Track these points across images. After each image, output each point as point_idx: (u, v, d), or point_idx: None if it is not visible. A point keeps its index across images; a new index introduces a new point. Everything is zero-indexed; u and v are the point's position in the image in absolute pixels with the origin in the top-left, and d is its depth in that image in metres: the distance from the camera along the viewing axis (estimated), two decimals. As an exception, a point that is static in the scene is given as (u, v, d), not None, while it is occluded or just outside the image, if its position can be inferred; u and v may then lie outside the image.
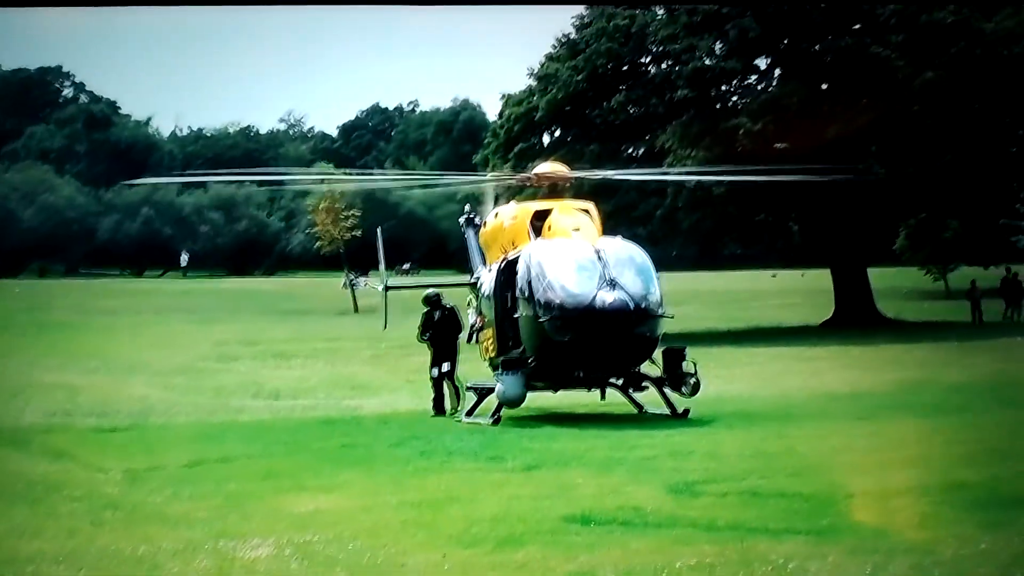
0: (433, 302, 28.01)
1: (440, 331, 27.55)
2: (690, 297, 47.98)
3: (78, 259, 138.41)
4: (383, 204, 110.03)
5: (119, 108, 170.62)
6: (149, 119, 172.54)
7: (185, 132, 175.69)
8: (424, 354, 28.07)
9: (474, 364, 28.22)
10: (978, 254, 74.43)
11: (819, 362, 39.60)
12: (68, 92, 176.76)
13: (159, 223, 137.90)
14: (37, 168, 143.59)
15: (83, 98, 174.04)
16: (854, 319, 56.20)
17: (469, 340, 28.37)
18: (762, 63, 56.94)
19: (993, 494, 16.02)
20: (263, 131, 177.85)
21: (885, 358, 40.25)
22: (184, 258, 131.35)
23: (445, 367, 27.25)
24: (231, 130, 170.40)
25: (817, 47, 54.48)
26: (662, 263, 25.97)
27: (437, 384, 27.27)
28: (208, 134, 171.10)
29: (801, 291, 61.45)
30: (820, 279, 59.20)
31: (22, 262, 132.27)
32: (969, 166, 53.35)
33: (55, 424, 26.18)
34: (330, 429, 24.82)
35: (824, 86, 54.88)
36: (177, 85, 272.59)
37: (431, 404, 27.15)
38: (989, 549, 13.18)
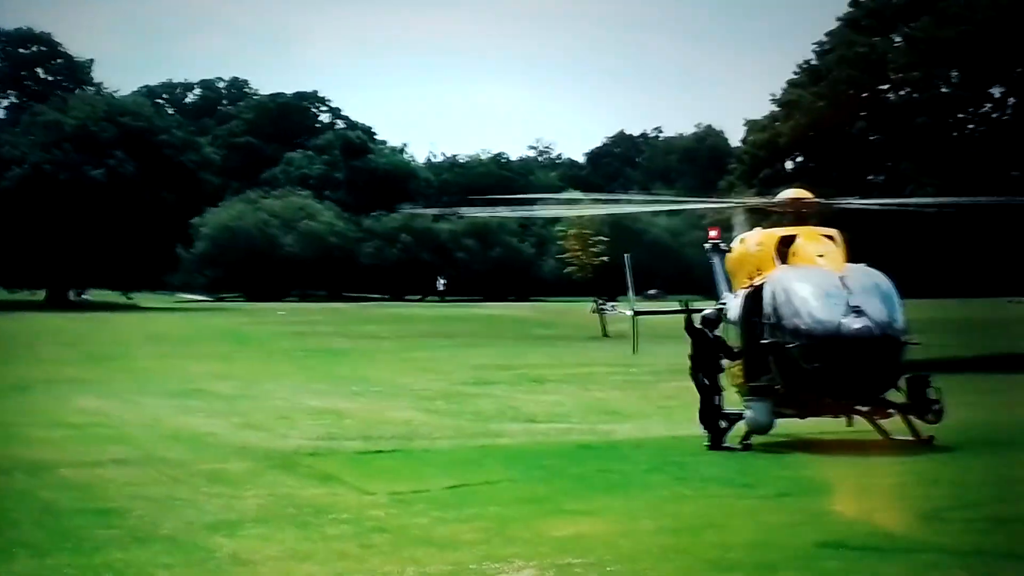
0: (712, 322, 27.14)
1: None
2: (930, 325, 47.43)
3: (338, 284, 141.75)
4: (629, 231, 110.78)
5: (375, 134, 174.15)
6: (404, 146, 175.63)
7: (439, 159, 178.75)
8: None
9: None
10: None
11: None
12: (324, 118, 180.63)
13: (417, 249, 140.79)
14: (297, 194, 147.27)
15: (339, 124, 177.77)
16: None
17: None
18: (996, 92, 56.39)
19: None
20: (513, 158, 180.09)
21: None
22: (440, 283, 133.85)
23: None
24: (483, 157, 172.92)
25: None
26: (903, 290, 26.03)
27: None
28: (461, 161, 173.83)
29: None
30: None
31: (284, 287, 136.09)
32: None
33: (322, 447, 26.98)
34: (586, 454, 25.42)
35: None
36: (429, 112, 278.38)
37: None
38: None
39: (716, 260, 30.94)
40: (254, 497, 20.46)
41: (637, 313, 34.02)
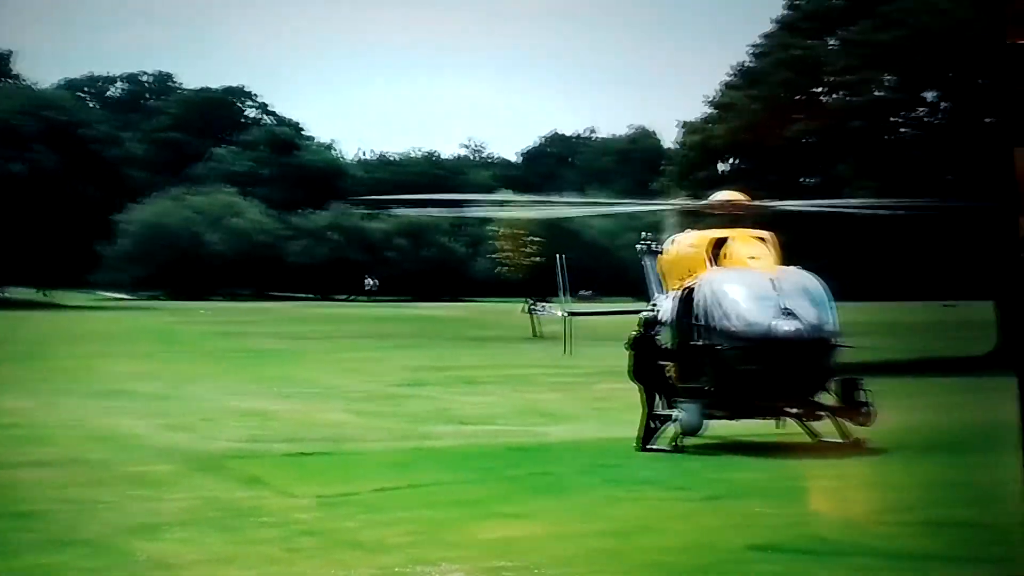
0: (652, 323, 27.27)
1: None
2: (865, 328, 47.75)
3: (265, 283, 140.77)
4: (564, 232, 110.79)
5: (303, 130, 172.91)
6: (332, 142, 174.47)
7: (368, 156, 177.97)
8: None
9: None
10: None
11: (992, 393, 39.10)
12: (252, 113, 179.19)
13: (346, 248, 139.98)
14: (223, 191, 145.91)
15: (267, 120, 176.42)
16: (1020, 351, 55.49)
17: None
18: (930, 96, 56.80)
19: None
20: (446, 156, 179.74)
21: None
22: (369, 283, 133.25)
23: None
24: (414, 155, 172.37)
25: (981, 81, 54.00)
26: (838, 293, 26.01)
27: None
28: (392, 159, 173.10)
29: (969, 323, 61.30)
30: (983, 311, 58.60)
31: (209, 285, 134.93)
32: None
33: (248, 450, 26.66)
34: (518, 456, 25.26)
35: (987, 120, 54.50)
36: (358, 109, 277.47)
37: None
38: None
39: (648, 261, 30.89)
40: (178, 500, 20.13)
41: (570, 314, 33.92)
